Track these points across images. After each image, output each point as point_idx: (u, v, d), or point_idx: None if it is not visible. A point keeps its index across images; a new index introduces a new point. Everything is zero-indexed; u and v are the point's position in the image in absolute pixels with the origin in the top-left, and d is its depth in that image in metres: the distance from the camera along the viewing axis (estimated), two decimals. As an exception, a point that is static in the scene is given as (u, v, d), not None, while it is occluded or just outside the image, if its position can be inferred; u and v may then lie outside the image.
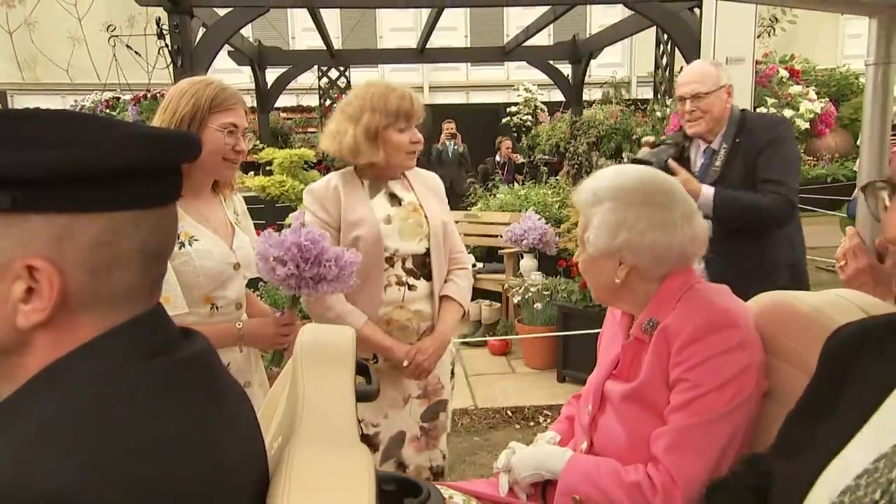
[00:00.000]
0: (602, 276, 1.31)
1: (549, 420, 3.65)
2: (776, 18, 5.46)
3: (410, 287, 1.89)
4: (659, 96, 5.58)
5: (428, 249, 1.91)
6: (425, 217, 1.91)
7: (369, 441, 1.86)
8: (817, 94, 4.86)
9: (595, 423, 1.35)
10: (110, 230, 0.61)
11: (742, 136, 2.32)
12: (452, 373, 2.06)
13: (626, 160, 7.19)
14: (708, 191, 2.26)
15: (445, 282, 1.97)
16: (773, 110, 3.81)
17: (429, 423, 1.97)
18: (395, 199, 1.93)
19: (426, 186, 2.01)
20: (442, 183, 2.09)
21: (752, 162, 2.26)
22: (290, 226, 1.53)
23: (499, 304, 5.10)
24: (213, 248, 1.59)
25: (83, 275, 0.61)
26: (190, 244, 1.55)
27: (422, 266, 1.92)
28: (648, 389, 1.22)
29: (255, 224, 1.86)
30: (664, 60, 5.58)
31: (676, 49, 5.07)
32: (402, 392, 1.92)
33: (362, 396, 1.12)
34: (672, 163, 2.30)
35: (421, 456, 1.97)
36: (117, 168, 0.60)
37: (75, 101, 4.21)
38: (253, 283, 1.84)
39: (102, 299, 0.62)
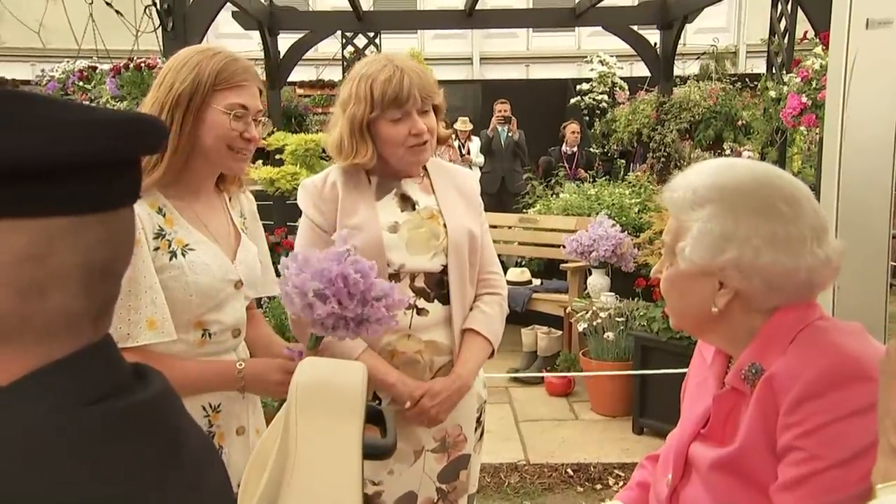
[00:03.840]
0: (693, 300, 1.27)
1: (620, 483, 3.62)
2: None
3: (420, 311, 1.87)
4: (774, 70, 5.45)
5: (445, 267, 1.88)
6: (444, 227, 1.89)
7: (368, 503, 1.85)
8: None
9: (676, 498, 1.31)
10: (42, 241, 0.61)
11: None
12: (479, 421, 2.02)
13: (728, 153, 7.09)
14: None
15: (471, 309, 1.94)
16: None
17: (447, 485, 1.95)
18: (407, 202, 1.92)
19: (454, 186, 1.99)
20: (476, 183, 2.07)
21: None
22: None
23: (559, 333, 5.10)
24: (211, 261, 1.60)
25: (7, 296, 0.61)
26: (183, 255, 1.56)
27: (437, 286, 1.89)
28: (748, 457, 1.17)
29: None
30: (782, 24, 5.45)
31: (799, 9, 4.95)
32: (413, 444, 1.89)
33: (373, 452, 1.10)
34: None
35: None
36: (53, 163, 0.59)
37: (42, 70, 4.34)
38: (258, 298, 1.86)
39: (33, 328, 0.62)
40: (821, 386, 1.11)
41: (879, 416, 0.69)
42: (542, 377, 4.82)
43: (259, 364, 1.67)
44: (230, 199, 1.75)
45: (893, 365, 0.68)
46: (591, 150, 9.29)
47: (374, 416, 1.29)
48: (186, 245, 1.57)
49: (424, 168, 1.99)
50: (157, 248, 1.53)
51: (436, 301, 1.89)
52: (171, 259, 1.54)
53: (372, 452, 1.09)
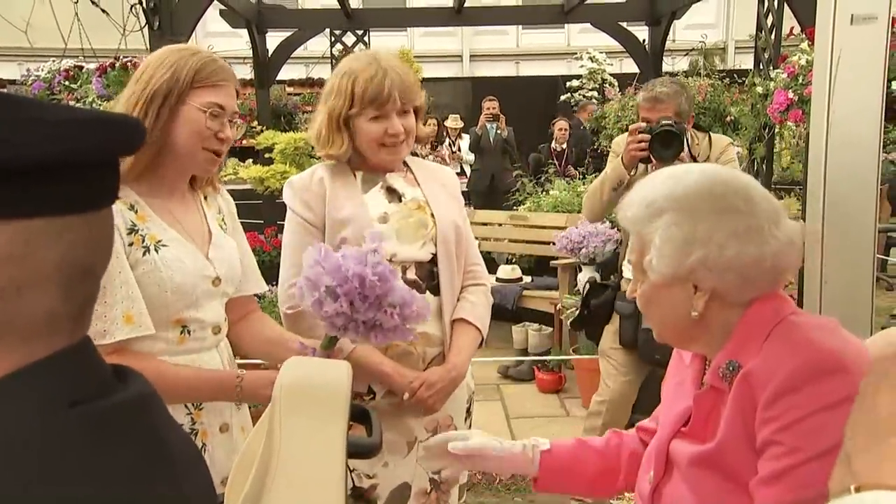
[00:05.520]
0: (674, 309, 1.27)
1: (611, 479, 3.59)
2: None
3: None
4: (761, 66, 5.45)
5: (434, 256, 1.91)
6: (431, 216, 1.93)
7: (364, 496, 1.86)
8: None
9: (658, 494, 1.31)
10: (20, 241, 0.60)
11: None
12: (468, 412, 2.05)
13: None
14: None
15: (458, 300, 1.97)
16: (913, 85, 3.74)
17: (440, 475, 1.96)
18: (393, 194, 1.96)
19: (437, 182, 2.02)
20: (457, 179, 2.11)
21: None
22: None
23: (550, 329, 5.10)
24: (185, 258, 1.59)
25: None
26: (156, 250, 1.55)
27: (428, 277, 1.92)
28: (728, 453, 1.18)
29: (250, 224, 1.87)
30: (769, 20, 5.45)
31: (786, 5, 4.95)
32: (405, 435, 1.92)
33: (358, 451, 1.11)
34: None
35: None
36: (31, 163, 0.59)
37: (28, 69, 4.32)
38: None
39: (10, 329, 0.62)
40: (797, 380, 1.11)
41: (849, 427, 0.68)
42: (534, 371, 4.82)
43: (258, 378, 1.61)
44: (205, 199, 1.75)
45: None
46: (586, 131, 9.20)
47: (359, 415, 1.29)
48: (159, 241, 1.56)
49: (405, 163, 2.02)
50: (131, 244, 1.52)
51: (427, 293, 1.91)
52: (144, 254, 1.53)
53: (357, 451, 1.10)
